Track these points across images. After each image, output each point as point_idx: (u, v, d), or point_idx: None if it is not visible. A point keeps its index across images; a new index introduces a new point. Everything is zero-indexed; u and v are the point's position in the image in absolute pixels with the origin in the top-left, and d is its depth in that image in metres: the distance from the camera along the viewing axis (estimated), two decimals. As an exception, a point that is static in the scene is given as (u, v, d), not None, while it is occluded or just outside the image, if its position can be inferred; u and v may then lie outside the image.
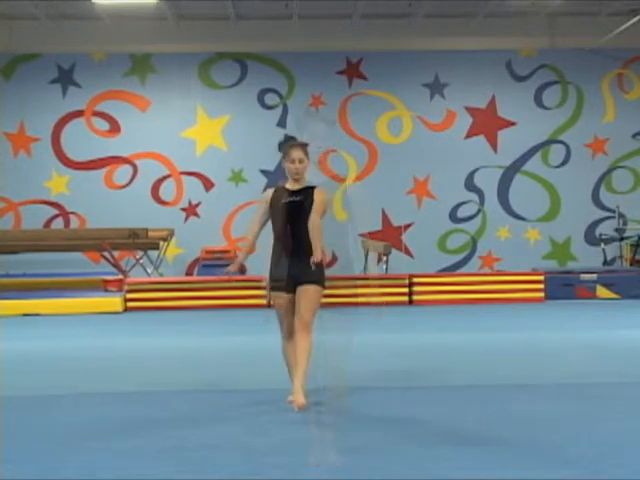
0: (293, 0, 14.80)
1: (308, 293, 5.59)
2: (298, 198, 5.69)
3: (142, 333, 10.40)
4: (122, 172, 16.34)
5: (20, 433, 4.97)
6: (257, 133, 16.25)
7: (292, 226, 5.65)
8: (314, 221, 5.57)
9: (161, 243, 14.63)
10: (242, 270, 16.03)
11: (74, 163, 16.29)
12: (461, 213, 16.60)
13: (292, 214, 5.66)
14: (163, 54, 16.35)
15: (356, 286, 13.08)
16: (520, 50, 16.62)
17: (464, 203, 16.59)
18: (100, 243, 13.75)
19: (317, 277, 5.60)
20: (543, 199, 16.67)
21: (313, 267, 5.44)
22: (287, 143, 5.78)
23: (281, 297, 5.69)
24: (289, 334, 5.72)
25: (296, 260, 5.59)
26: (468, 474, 4.01)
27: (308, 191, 5.72)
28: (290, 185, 5.78)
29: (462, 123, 16.59)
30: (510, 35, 16.37)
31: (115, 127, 16.34)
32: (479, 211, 16.62)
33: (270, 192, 5.85)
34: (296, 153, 5.69)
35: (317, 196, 5.68)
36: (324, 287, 5.68)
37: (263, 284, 12.96)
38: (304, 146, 5.74)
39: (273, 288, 5.75)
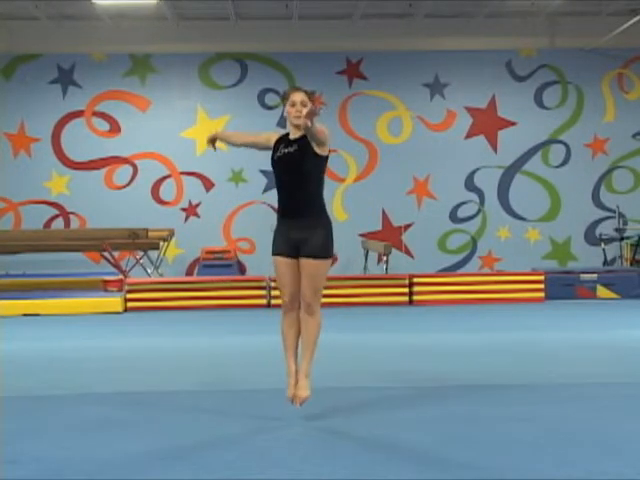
0: (293, 0, 14.80)
1: (311, 270, 5.15)
2: (294, 149, 5.23)
3: (142, 333, 10.40)
4: (122, 172, 16.34)
5: (20, 433, 4.97)
6: (257, 133, 16.24)
7: (289, 182, 5.20)
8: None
9: (161, 243, 14.63)
10: (242, 270, 16.06)
11: (74, 163, 16.29)
12: (461, 213, 16.60)
13: (288, 167, 5.21)
14: (163, 54, 16.35)
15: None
16: (520, 50, 16.62)
17: (464, 203, 16.59)
18: (100, 243, 13.75)
19: (321, 248, 5.15)
20: (543, 199, 16.67)
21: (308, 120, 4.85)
22: (289, 88, 5.48)
23: (282, 262, 5.28)
24: (290, 304, 5.30)
25: (295, 222, 5.18)
26: (468, 474, 4.01)
27: (306, 139, 5.19)
28: (291, 134, 5.35)
29: (462, 123, 16.59)
30: (510, 35, 16.38)
31: (115, 127, 16.34)
32: (479, 211, 16.62)
33: (275, 136, 5.41)
34: (297, 95, 5.32)
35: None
36: (330, 257, 5.20)
37: (263, 284, 13.00)
38: (307, 92, 5.44)
39: (274, 252, 5.34)
